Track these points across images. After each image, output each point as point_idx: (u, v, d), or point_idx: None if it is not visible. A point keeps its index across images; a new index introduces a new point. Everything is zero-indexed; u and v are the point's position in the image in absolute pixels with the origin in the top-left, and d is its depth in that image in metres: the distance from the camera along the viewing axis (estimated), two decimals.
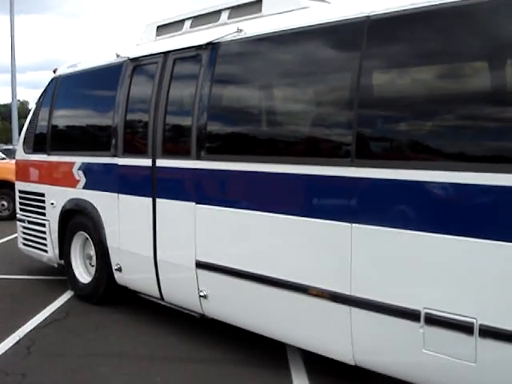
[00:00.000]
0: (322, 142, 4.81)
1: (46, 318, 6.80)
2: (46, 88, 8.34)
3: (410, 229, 3.99)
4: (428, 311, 3.91)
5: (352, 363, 4.51)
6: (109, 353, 5.79)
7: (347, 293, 4.36)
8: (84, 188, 7.18)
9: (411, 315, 3.99)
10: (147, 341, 6.08)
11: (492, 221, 3.65)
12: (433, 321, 3.89)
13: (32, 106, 9.62)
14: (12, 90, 26.33)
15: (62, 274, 8.12)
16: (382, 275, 4.19)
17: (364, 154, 4.34)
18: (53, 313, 7.03)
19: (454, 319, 3.78)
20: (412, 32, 4.22)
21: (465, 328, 3.73)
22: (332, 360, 4.70)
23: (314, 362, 5.22)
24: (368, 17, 4.35)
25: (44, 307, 7.16)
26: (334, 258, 4.48)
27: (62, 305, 7.37)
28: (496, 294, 3.63)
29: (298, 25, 4.91)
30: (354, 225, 4.29)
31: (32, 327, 6.49)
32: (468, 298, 3.76)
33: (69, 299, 7.61)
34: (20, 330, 6.37)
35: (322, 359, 4.81)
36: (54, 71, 8.29)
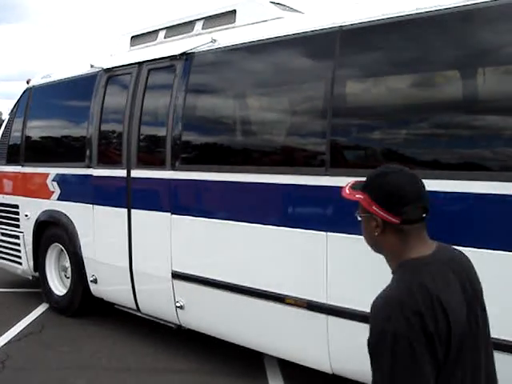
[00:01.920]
0: (297, 151, 4.83)
1: (20, 331, 6.73)
2: (20, 99, 8.27)
3: None
4: None
5: (329, 372, 4.52)
6: (85, 366, 5.73)
7: (323, 301, 4.37)
8: (58, 199, 7.12)
9: None
10: (124, 353, 6.05)
11: (462, 228, 3.68)
12: None
13: (5, 116, 9.52)
14: None
15: (37, 287, 8.03)
16: (358, 283, 4.20)
17: (338, 162, 4.36)
18: (28, 326, 6.96)
19: None
20: (383, 41, 4.27)
21: None
22: (309, 369, 4.71)
23: (292, 371, 5.22)
24: (341, 27, 4.39)
25: (19, 320, 7.08)
26: (309, 266, 4.48)
27: (37, 317, 7.30)
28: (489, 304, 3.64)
29: (271, 35, 4.93)
30: (329, 233, 4.31)
31: (6, 341, 6.42)
32: None
33: (44, 312, 7.54)
34: None
35: (300, 368, 4.81)
36: (28, 82, 8.22)
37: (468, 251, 3.46)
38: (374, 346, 1.80)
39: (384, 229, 1.96)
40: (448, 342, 1.75)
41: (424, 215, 1.95)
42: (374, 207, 1.96)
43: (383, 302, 1.84)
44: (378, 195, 1.95)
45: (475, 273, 2.05)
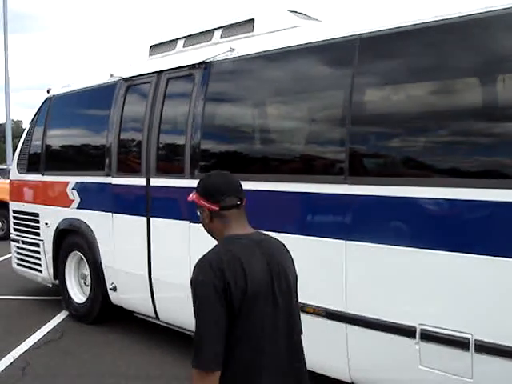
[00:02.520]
0: (316, 159, 4.83)
1: (40, 339, 6.78)
2: (40, 108, 8.35)
3: (405, 245, 4.00)
4: (423, 327, 3.91)
5: (348, 381, 4.50)
6: (104, 373, 5.75)
7: (343, 310, 4.36)
8: (78, 208, 7.17)
9: (407, 331, 3.99)
10: (143, 360, 6.06)
11: (486, 236, 3.66)
12: (429, 337, 3.89)
13: (26, 125, 9.62)
14: (6, 109, 26.30)
15: (57, 294, 8.09)
16: (377, 292, 4.19)
17: (357, 171, 4.36)
18: (48, 333, 7.01)
19: (449, 335, 3.79)
20: (402, 49, 4.27)
21: (460, 344, 3.73)
22: (328, 378, 4.68)
23: (310, 381, 5.18)
24: (360, 35, 4.39)
25: (39, 328, 7.13)
26: (329, 275, 4.47)
27: (56, 325, 7.35)
28: (491, 309, 3.64)
29: (290, 43, 4.94)
30: (348, 242, 4.30)
31: (26, 348, 6.46)
32: (463, 314, 3.76)
33: (64, 319, 7.58)
34: (14, 350, 6.35)
35: (319, 377, 4.79)
36: (48, 91, 8.30)
37: (494, 260, 3.53)
38: (191, 291, 2.47)
39: (211, 217, 2.60)
40: (243, 295, 2.35)
41: (239, 203, 2.59)
42: (201, 201, 2.61)
43: (199, 261, 2.50)
44: (203, 191, 2.62)
45: (288, 260, 2.71)
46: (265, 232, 2.74)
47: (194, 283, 2.45)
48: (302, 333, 2.74)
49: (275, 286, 2.49)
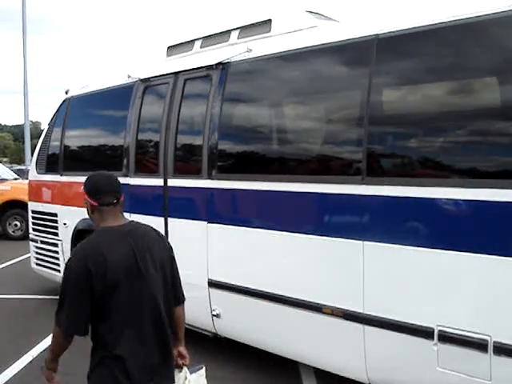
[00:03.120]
0: (333, 160, 4.82)
1: None
2: (58, 109, 8.41)
3: (423, 246, 3.98)
4: (441, 328, 3.89)
5: (366, 382, 4.49)
6: None
7: (360, 311, 4.35)
8: None
9: (425, 333, 3.98)
10: None
11: (506, 237, 3.63)
12: (446, 338, 3.88)
13: (44, 126, 9.69)
14: (24, 110, 26.45)
15: None
16: (395, 293, 4.17)
17: (375, 171, 4.35)
18: None
19: (467, 336, 3.77)
20: (419, 49, 4.24)
21: (479, 345, 3.71)
22: (346, 378, 4.68)
23: (328, 381, 5.19)
24: (377, 35, 4.38)
25: None
26: (346, 276, 4.47)
27: None
28: (510, 311, 3.61)
29: (307, 44, 4.94)
30: (365, 242, 4.29)
31: (45, 347, 6.49)
32: (482, 315, 3.74)
33: None
34: (34, 349, 6.41)
35: (336, 378, 4.79)
36: (66, 92, 8.36)
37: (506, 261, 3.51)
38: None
39: (93, 210, 3.11)
40: (104, 278, 2.84)
41: (115, 201, 3.06)
42: (85, 196, 3.12)
43: (74, 250, 3.04)
44: (86, 189, 3.13)
45: (158, 243, 3.15)
46: (140, 222, 3.24)
47: (65, 267, 2.99)
48: (182, 301, 3.37)
49: (141, 267, 2.97)
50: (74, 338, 3.07)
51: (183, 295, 3.38)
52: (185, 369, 3.35)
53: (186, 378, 3.33)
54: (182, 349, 3.40)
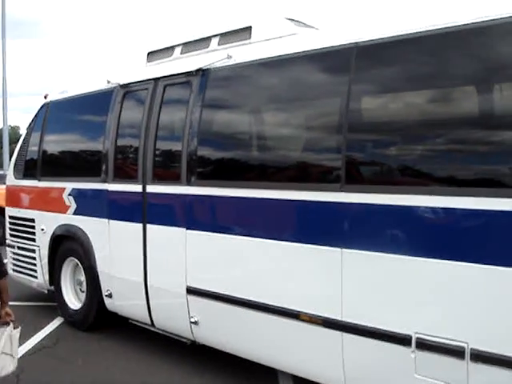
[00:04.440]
0: (312, 167, 4.83)
1: (35, 345, 6.75)
2: (37, 113, 8.34)
3: (401, 253, 3.99)
4: (419, 336, 3.90)
5: None
6: (99, 380, 5.73)
7: (338, 318, 4.35)
8: (74, 214, 7.16)
9: (402, 340, 3.99)
10: (138, 368, 6.04)
11: (481, 245, 3.66)
12: (424, 345, 3.89)
13: (23, 131, 9.61)
14: (3, 115, 26.24)
15: (53, 300, 8.06)
16: (373, 300, 4.18)
17: (354, 179, 4.36)
18: (42, 339, 6.98)
19: (445, 344, 3.78)
20: (399, 58, 4.28)
21: (456, 352, 3.73)
22: None
23: None
24: (356, 43, 4.40)
25: (34, 334, 7.10)
26: (325, 283, 4.47)
27: (51, 331, 7.32)
28: (487, 318, 3.63)
29: (287, 51, 4.95)
30: (344, 250, 4.30)
31: (21, 354, 6.39)
32: (459, 323, 3.76)
33: (59, 326, 7.56)
34: None
35: None
36: (45, 97, 8.30)
37: (489, 269, 3.53)
38: None
39: None
40: None
41: None
42: None
43: None
44: None
45: None
46: None
47: None
48: (4, 275, 4.40)
49: None
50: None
51: (6, 270, 4.48)
52: (11, 324, 4.44)
53: (8, 331, 4.42)
54: (8, 309, 4.42)
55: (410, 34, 4.10)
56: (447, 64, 4.02)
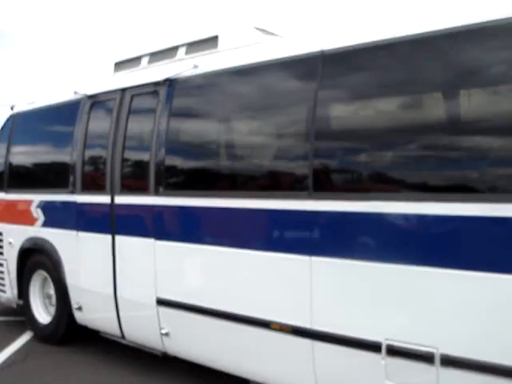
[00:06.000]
0: (281, 175, 4.83)
1: (4, 361, 6.64)
2: (4, 125, 8.22)
3: (369, 260, 4.00)
4: (389, 342, 3.91)
5: None
6: None
7: (308, 326, 4.35)
8: (43, 226, 7.07)
9: (372, 347, 3.99)
10: (109, 381, 5.96)
11: (451, 250, 3.67)
12: (394, 352, 3.90)
13: None
14: None
15: (22, 315, 7.93)
16: (343, 307, 4.19)
17: (321, 186, 4.36)
18: (11, 355, 6.86)
19: (414, 350, 3.79)
20: (365, 65, 4.30)
21: (426, 358, 3.74)
22: None
23: None
24: (322, 51, 4.42)
25: (2, 349, 6.99)
26: (294, 291, 4.46)
27: (21, 346, 7.20)
28: (456, 322, 3.65)
29: (254, 60, 4.95)
30: (313, 258, 4.29)
31: None
32: (428, 328, 3.77)
33: (28, 340, 7.44)
34: None
35: None
36: (12, 108, 8.19)
37: (459, 274, 3.55)
38: None
39: None
40: None
41: None
42: None
43: None
44: None
45: None
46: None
47: None
48: None
49: None
50: None
51: None
52: None
53: None
54: None
55: (376, 41, 4.13)
56: (413, 71, 4.05)
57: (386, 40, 4.09)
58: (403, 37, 3.99)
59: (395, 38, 4.03)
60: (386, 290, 3.96)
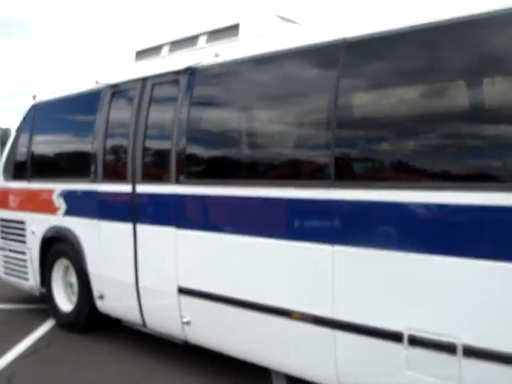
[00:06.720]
0: (303, 164, 4.80)
1: (27, 348, 6.70)
2: (26, 115, 8.29)
3: (392, 249, 3.97)
4: (411, 332, 3.88)
5: None
6: (92, 382, 5.69)
7: (330, 316, 4.33)
8: (64, 215, 7.12)
9: (394, 337, 3.97)
10: (131, 369, 6.00)
11: (475, 240, 3.63)
12: (416, 342, 3.87)
13: (13, 132, 9.54)
14: None
15: (44, 303, 8.02)
16: (364, 297, 4.16)
17: (344, 175, 4.34)
18: (34, 342, 6.93)
19: (436, 340, 3.76)
20: (387, 53, 4.25)
21: (448, 348, 3.71)
22: None
23: None
24: (344, 39, 4.38)
25: (25, 337, 7.06)
26: (316, 280, 4.44)
27: (43, 334, 7.27)
28: (479, 312, 3.61)
29: (275, 48, 4.92)
30: (335, 247, 4.27)
31: (13, 357, 6.39)
32: (451, 318, 3.73)
33: (50, 328, 7.51)
34: (0, 360, 6.28)
35: None
36: (34, 97, 8.24)
37: (482, 264, 3.51)
38: None
39: None
40: None
41: None
42: None
43: None
44: None
45: None
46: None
47: None
48: None
49: None
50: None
51: None
52: None
53: None
54: None
55: (398, 29, 4.08)
56: (438, 58, 3.99)
57: (408, 27, 4.03)
58: (429, 23, 3.92)
59: (420, 25, 3.97)
60: (409, 280, 3.92)
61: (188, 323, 5.52)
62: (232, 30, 5.65)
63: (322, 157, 4.51)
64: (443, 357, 3.74)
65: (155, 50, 6.59)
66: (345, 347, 4.32)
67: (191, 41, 6.11)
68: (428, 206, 3.84)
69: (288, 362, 4.83)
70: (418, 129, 4.10)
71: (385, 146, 4.32)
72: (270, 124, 5.24)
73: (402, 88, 4.35)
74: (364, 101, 4.62)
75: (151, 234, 5.82)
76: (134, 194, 6.00)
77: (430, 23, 3.91)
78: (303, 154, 4.83)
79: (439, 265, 3.74)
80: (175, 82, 5.71)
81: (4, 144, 10.48)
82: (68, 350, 6.67)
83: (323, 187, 4.35)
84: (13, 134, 8.76)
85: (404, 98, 4.35)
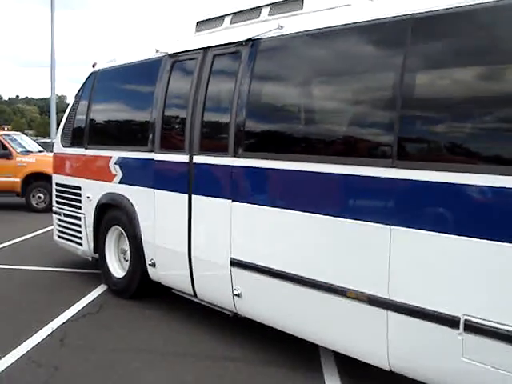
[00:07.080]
0: (363, 142, 4.71)
1: (79, 311, 6.85)
2: (85, 82, 8.38)
3: (452, 233, 3.87)
4: (468, 318, 3.80)
5: (387, 368, 4.42)
6: (141, 348, 5.78)
7: (385, 296, 4.28)
8: (120, 183, 7.20)
9: (450, 322, 3.89)
10: (179, 338, 6.07)
11: None
12: (472, 328, 3.78)
13: (70, 100, 9.68)
14: (51, 84, 26.61)
15: (96, 268, 8.17)
16: (421, 280, 4.09)
17: (405, 155, 4.24)
18: (86, 306, 7.08)
19: (494, 327, 3.67)
20: (457, 31, 4.11)
21: (505, 337, 3.61)
22: (366, 364, 4.62)
23: (348, 366, 5.15)
24: (413, 15, 4.25)
25: (77, 300, 7.22)
26: (372, 260, 4.39)
27: (95, 298, 7.42)
28: None
29: (339, 22, 4.82)
30: (393, 227, 4.20)
31: (65, 319, 6.54)
32: (509, 307, 3.64)
33: (102, 293, 7.66)
34: (53, 321, 6.44)
35: (356, 363, 4.73)
36: (93, 65, 8.32)
37: None
38: None
39: None
40: None
41: None
42: None
43: None
44: None
45: None
46: None
47: None
48: None
49: None
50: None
51: None
52: None
53: None
54: None
55: (470, 5, 3.94)
56: (510, 38, 3.84)
57: (482, 3, 3.88)
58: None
59: (492, 2, 3.82)
60: (467, 265, 3.83)
61: (239, 295, 5.54)
62: (296, 3, 5.55)
63: (385, 136, 4.41)
64: (500, 345, 3.65)
65: (217, 21, 6.55)
66: (397, 329, 4.26)
67: (253, 12, 6.04)
68: (490, 190, 3.72)
69: (338, 340, 4.81)
70: (484, 110, 3.97)
71: (450, 128, 4.20)
72: (332, 100, 5.15)
73: (472, 69, 4.20)
74: (431, 81, 4.48)
75: (206, 206, 5.83)
76: (190, 164, 6.01)
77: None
78: (366, 132, 4.72)
79: (500, 251, 3.63)
80: (236, 53, 5.67)
81: (60, 111, 10.62)
82: (119, 315, 6.79)
83: (384, 166, 4.26)
84: (69, 101, 8.86)
85: (474, 80, 4.21)
